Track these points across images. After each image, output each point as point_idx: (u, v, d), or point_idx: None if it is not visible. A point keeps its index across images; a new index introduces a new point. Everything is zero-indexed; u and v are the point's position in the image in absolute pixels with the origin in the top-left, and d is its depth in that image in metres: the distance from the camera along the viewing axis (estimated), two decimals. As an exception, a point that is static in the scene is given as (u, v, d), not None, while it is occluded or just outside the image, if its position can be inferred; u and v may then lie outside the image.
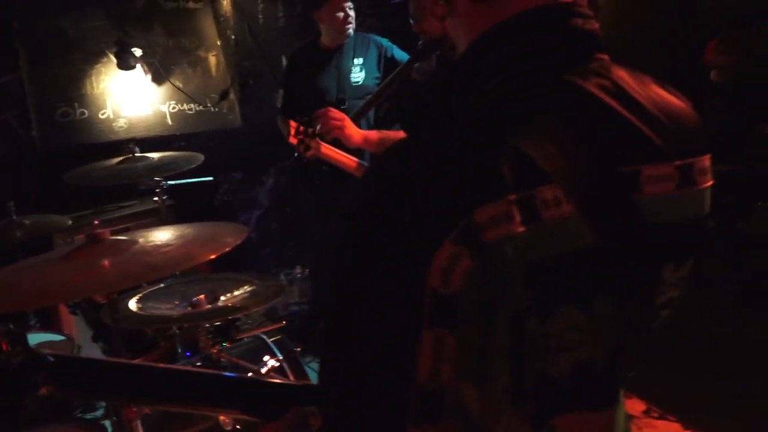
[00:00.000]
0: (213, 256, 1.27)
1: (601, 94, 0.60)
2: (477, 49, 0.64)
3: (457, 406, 0.54)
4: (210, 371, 0.90)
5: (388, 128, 3.85)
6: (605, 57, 0.64)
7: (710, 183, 0.66)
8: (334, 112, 2.19)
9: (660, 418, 2.74)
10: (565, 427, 0.63)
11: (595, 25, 0.64)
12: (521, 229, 0.53)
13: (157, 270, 1.21)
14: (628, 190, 0.59)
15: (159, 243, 1.38)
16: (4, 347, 0.73)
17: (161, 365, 0.84)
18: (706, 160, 0.65)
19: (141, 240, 1.40)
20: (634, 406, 2.85)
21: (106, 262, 1.28)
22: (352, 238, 0.58)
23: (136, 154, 2.54)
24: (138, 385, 0.83)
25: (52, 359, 0.77)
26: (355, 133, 2.17)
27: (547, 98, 0.60)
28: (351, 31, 3.26)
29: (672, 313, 0.75)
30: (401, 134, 2.03)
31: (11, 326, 0.74)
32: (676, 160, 0.62)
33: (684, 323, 0.95)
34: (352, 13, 3.22)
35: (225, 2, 3.98)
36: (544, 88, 0.60)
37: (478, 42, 0.63)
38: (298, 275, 4.23)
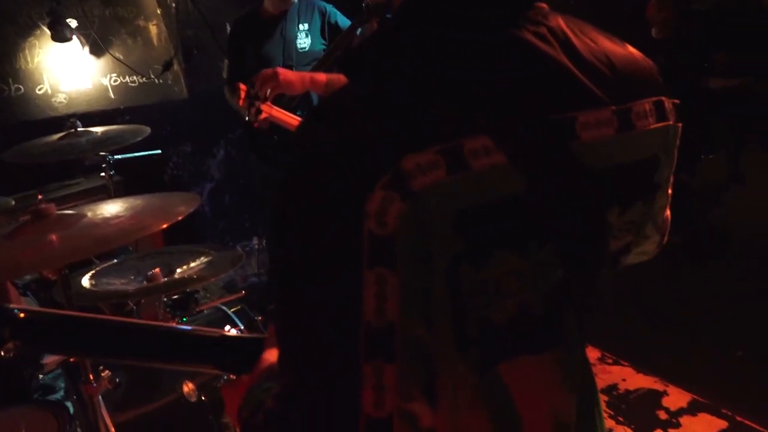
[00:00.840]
0: (165, 226, 1.25)
1: (536, 42, 0.60)
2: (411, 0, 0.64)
3: (411, 345, 0.56)
4: (181, 327, 0.89)
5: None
6: (544, 6, 0.64)
7: (652, 126, 0.66)
8: (266, 69, 2.15)
9: (614, 363, 2.87)
10: (509, 373, 0.64)
11: None
12: (448, 177, 0.54)
13: (108, 241, 1.18)
14: (563, 138, 0.60)
15: (108, 215, 1.35)
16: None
17: (133, 320, 0.84)
18: (646, 104, 0.66)
19: (89, 213, 1.37)
20: (590, 353, 2.96)
21: (53, 237, 1.24)
22: (291, 193, 0.58)
23: (78, 129, 2.45)
24: (111, 340, 0.82)
25: (20, 314, 0.75)
26: (292, 77, 2.13)
27: (480, 48, 0.60)
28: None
29: (629, 259, 0.77)
30: None
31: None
32: (613, 105, 0.63)
33: (631, 275, 0.98)
34: None
35: (162, -32, 3.83)
36: (477, 37, 0.60)
37: None
38: (255, 246, 4.20)
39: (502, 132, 0.57)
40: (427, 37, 0.60)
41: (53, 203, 1.37)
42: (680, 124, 0.71)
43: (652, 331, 3.03)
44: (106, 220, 1.29)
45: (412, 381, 0.57)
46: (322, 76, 2.15)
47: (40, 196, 1.34)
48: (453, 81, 0.58)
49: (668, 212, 0.83)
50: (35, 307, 1.08)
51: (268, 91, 2.11)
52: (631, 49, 0.69)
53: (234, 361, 0.83)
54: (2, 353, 0.72)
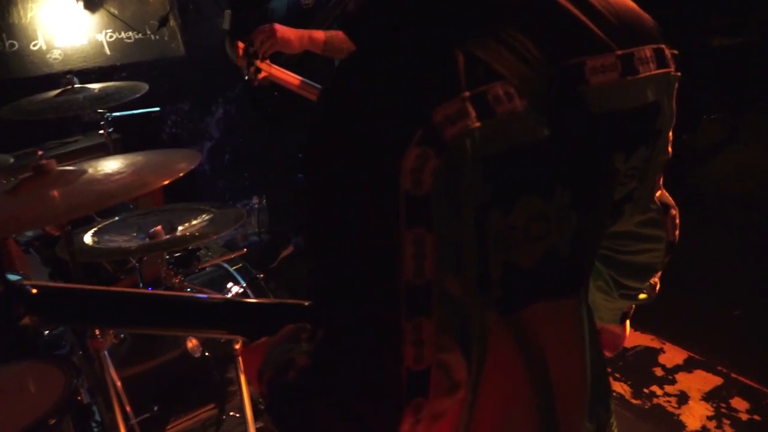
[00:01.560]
0: (167, 182, 1.25)
1: None
2: None
3: (443, 296, 0.58)
4: (192, 295, 0.90)
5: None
6: None
7: (653, 72, 0.68)
8: (264, 26, 2.07)
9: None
10: (535, 318, 0.66)
11: None
12: (477, 124, 0.55)
13: (110, 197, 1.18)
14: (574, 82, 0.62)
15: (109, 171, 1.35)
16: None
17: (143, 290, 0.84)
18: (647, 50, 0.67)
19: (90, 170, 1.36)
20: (586, 311, 2.99)
21: (55, 193, 1.24)
22: (322, 158, 0.58)
23: (75, 86, 2.41)
24: (123, 311, 0.83)
25: (33, 290, 0.76)
26: (290, 34, 2.06)
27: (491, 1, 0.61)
28: None
29: (634, 208, 0.79)
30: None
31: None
32: (618, 50, 0.64)
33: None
34: None
35: None
36: None
37: None
38: (255, 205, 4.19)
39: (521, 78, 0.58)
40: None
41: (53, 159, 1.36)
42: (679, 74, 0.72)
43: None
44: (108, 177, 1.29)
45: (447, 333, 0.59)
46: (320, 35, 2.08)
47: (39, 153, 1.33)
48: (468, 30, 0.58)
49: (675, 211, 0.87)
50: (47, 282, 1.08)
51: (267, 47, 2.05)
52: (631, 2, 0.70)
53: (256, 326, 0.83)
54: (21, 326, 0.73)
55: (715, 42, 5.00)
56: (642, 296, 0.99)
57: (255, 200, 4.23)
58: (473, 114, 0.55)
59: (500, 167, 0.58)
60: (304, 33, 2.08)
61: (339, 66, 0.62)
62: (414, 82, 0.55)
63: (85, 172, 1.33)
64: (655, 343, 2.71)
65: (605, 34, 0.64)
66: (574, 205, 0.64)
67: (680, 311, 2.90)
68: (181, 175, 1.31)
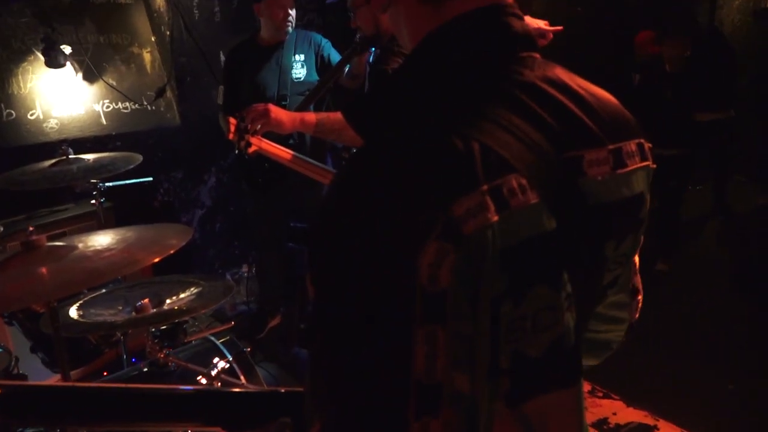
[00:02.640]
0: (157, 259, 1.25)
1: (543, 85, 0.66)
2: (426, 50, 0.68)
3: (452, 394, 0.56)
4: (166, 387, 0.86)
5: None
6: (538, 55, 0.70)
7: (638, 165, 0.72)
8: (258, 105, 2.11)
9: (604, 397, 2.86)
10: (538, 409, 0.66)
11: (528, 26, 0.69)
12: (496, 217, 0.56)
13: (99, 275, 1.17)
14: (573, 174, 0.65)
15: (99, 248, 1.34)
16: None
17: (110, 384, 0.81)
18: (632, 144, 0.72)
19: (80, 245, 1.36)
20: (579, 386, 2.94)
21: (43, 270, 1.23)
22: (336, 249, 0.58)
23: (69, 156, 2.44)
24: (95, 409, 0.80)
25: None
26: (283, 117, 2.09)
27: (497, 92, 0.64)
28: (290, 28, 3.23)
29: (615, 292, 0.80)
30: (338, 113, 1.99)
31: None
32: (609, 144, 0.68)
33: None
34: (292, 12, 3.20)
35: (158, -3, 3.87)
36: (493, 83, 0.65)
37: (427, 42, 0.67)
38: (245, 274, 4.17)
39: (530, 169, 0.60)
40: (448, 83, 0.65)
41: (43, 233, 1.36)
42: (654, 165, 0.76)
43: (643, 365, 3.02)
44: (97, 253, 1.28)
45: (453, 430, 0.57)
46: (311, 117, 2.11)
47: (31, 228, 1.33)
48: (473, 118, 0.60)
49: (640, 296, 0.88)
50: (12, 382, 1.05)
51: (258, 126, 2.10)
52: (613, 98, 0.74)
53: (235, 416, 0.80)
54: None
55: (700, 116, 5.20)
56: None
57: (245, 269, 4.21)
58: (492, 207, 0.55)
59: (515, 259, 0.58)
60: (296, 116, 2.11)
61: (352, 159, 0.62)
62: (431, 175, 0.56)
63: (75, 248, 1.33)
64: (648, 420, 2.66)
65: (598, 129, 0.67)
66: (574, 294, 0.65)
67: (674, 386, 2.86)
68: (172, 252, 1.31)
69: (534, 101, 0.64)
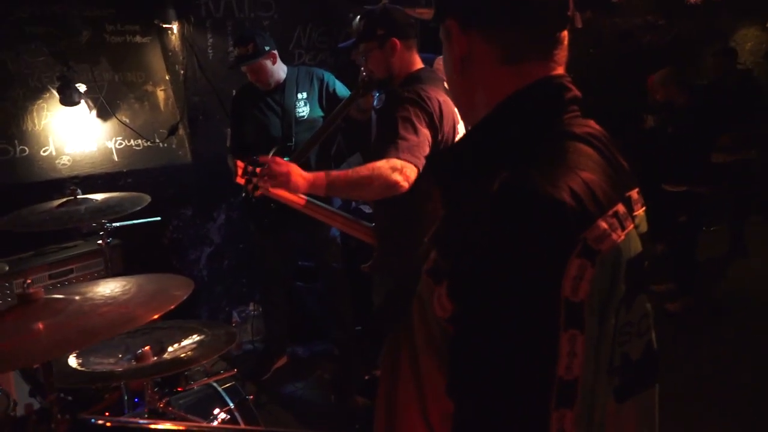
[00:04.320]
0: (156, 316, 1.21)
1: (591, 137, 0.81)
2: (506, 111, 0.84)
3: (584, 390, 0.67)
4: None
5: (342, 161, 3.86)
6: (579, 112, 0.86)
7: (642, 209, 0.87)
8: (278, 165, 2.04)
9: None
10: (635, 407, 0.80)
11: (578, 92, 0.86)
12: (622, 235, 0.72)
13: (95, 334, 1.14)
14: (632, 211, 0.80)
15: (98, 301, 1.31)
16: None
17: None
18: (637, 190, 0.87)
19: (78, 298, 1.33)
20: None
21: (39, 325, 1.20)
22: (496, 269, 0.68)
23: (78, 196, 2.44)
24: None
25: None
26: (301, 181, 2.02)
27: (570, 142, 0.79)
28: (270, 83, 3.31)
29: None
30: (348, 172, 2.03)
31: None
32: (636, 187, 0.86)
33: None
34: (265, 74, 3.26)
35: (173, 37, 3.91)
36: (564, 136, 0.80)
37: (506, 105, 0.84)
38: (252, 312, 4.13)
39: (624, 201, 0.77)
40: (531, 134, 0.80)
41: (49, 270, 1.33)
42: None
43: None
44: (95, 308, 1.25)
45: (581, 423, 0.68)
46: (322, 181, 2.03)
47: (29, 281, 1.30)
48: (574, 168, 0.73)
49: None
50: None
51: (271, 181, 2.05)
52: None
53: None
54: None
55: (716, 158, 5.17)
56: None
57: (251, 307, 4.16)
58: (619, 228, 0.72)
59: (630, 270, 0.73)
60: (309, 179, 2.03)
61: (496, 202, 0.71)
62: (566, 210, 0.67)
63: (72, 301, 1.30)
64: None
65: (632, 172, 0.86)
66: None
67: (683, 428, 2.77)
68: (173, 307, 1.28)
69: (593, 149, 0.79)
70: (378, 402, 0.93)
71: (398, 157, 1.98)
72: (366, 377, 3.35)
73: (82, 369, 1.70)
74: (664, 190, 4.27)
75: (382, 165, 1.97)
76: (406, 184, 1.99)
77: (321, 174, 2.05)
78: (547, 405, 0.65)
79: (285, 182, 2.02)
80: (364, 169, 2.00)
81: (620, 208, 0.74)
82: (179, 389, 2.26)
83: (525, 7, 0.81)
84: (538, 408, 0.65)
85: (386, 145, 2.02)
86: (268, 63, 3.26)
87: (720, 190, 4.34)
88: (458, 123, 2.20)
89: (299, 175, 2.03)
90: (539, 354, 0.65)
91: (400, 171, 1.97)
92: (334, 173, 2.07)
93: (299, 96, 3.36)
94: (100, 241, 2.63)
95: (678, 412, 2.91)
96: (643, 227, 0.84)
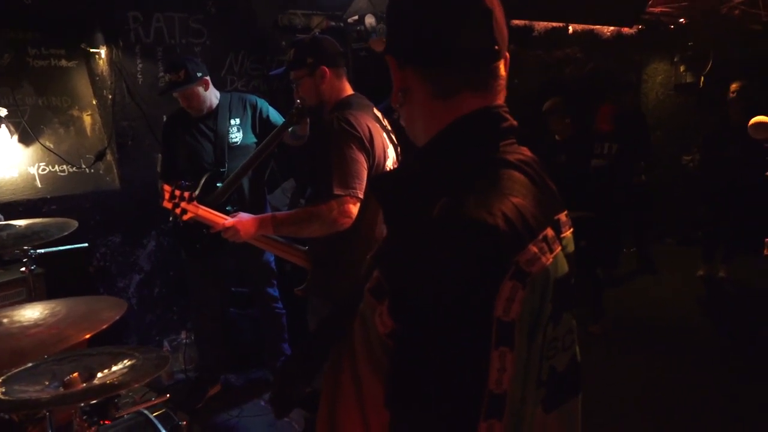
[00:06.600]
0: (88, 336, 1.21)
1: (522, 165, 0.86)
2: (443, 141, 0.89)
3: (513, 402, 0.72)
4: None
5: (276, 186, 3.87)
6: (515, 141, 0.92)
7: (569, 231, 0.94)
8: (226, 230, 2.20)
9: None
10: (560, 415, 0.87)
11: (514, 122, 0.91)
12: (550, 258, 0.78)
13: (23, 356, 1.13)
14: (560, 233, 0.86)
15: (26, 323, 1.30)
16: None
17: None
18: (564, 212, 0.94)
19: (5, 321, 1.31)
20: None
21: (-37, 349, 1.18)
22: (433, 295, 0.72)
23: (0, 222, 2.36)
24: None
25: None
26: (250, 228, 2.18)
27: (502, 170, 0.84)
28: (203, 109, 3.34)
29: None
30: (291, 215, 2.13)
31: None
32: (564, 210, 0.92)
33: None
34: (198, 100, 3.29)
35: (101, 61, 3.84)
36: (497, 164, 0.85)
37: (442, 136, 0.89)
38: (184, 341, 4.04)
39: (554, 226, 0.83)
40: (465, 164, 0.85)
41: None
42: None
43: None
44: (23, 330, 1.24)
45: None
46: (268, 224, 2.19)
47: (-48, 304, 1.27)
48: (504, 195, 0.78)
49: None
50: None
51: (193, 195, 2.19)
52: None
53: None
54: None
55: (635, 180, 5.57)
56: None
57: (183, 335, 4.08)
58: (547, 252, 0.78)
59: (558, 290, 0.79)
60: (257, 224, 2.20)
61: (438, 224, 0.76)
62: (500, 235, 0.72)
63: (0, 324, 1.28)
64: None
65: (558, 197, 0.92)
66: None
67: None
68: (104, 327, 1.28)
69: (525, 175, 0.85)
70: (320, 416, 0.96)
71: (334, 194, 2.04)
72: (307, 390, 3.34)
73: (6, 397, 1.65)
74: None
75: (320, 208, 2.05)
76: (348, 219, 2.06)
77: (267, 216, 2.23)
78: (477, 416, 0.70)
79: (234, 235, 2.17)
80: (304, 213, 2.14)
81: (549, 232, 0.79)
82: (106, 422, 2.20)
83: (452, 47, 0.86)
84: (468, 418, 0.70)
85: (321, 181, 2.09)
86: (201, 89, 3.26)
87: (609, 214, 4.67)
88: (387, 148, 2.28)
89: (245, 222, 2.18)
90: (471, 369, 0.70)
91: (338, 209, 2.03)
92: (279, 216, 2.21)
93: (232, 122, 3.37)
94: (23, 269, 2.54)
95: (599, 419, 3.06)
96: (570, 248, 0.90)
